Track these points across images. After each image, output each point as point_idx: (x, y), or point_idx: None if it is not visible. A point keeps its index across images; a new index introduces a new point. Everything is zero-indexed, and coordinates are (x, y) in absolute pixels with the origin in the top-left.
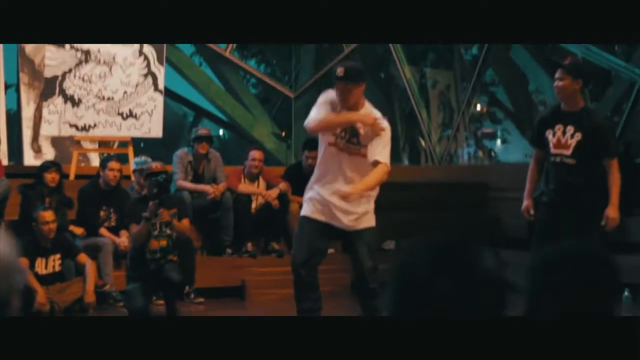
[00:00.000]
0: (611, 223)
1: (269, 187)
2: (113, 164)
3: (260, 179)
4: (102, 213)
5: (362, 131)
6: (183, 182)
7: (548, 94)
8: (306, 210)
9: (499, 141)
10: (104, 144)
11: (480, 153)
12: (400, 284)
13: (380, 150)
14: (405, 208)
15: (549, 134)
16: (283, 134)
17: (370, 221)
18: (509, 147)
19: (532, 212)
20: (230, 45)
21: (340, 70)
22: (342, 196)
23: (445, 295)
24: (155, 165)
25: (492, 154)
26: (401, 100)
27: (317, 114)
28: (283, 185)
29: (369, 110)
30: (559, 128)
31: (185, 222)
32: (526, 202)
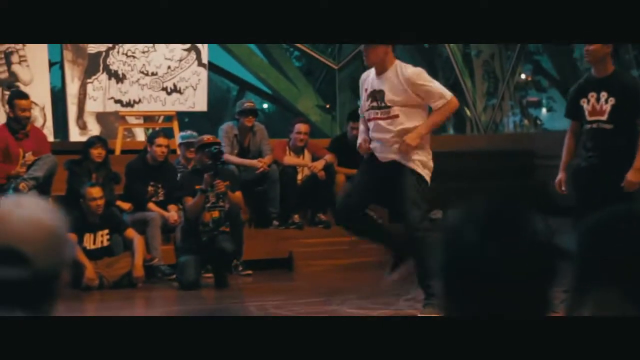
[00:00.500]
0: (628, 186)
1: (315, 159)
2: (160, 140)
3: (306, 151)
4: (150, 188)
5: (387, 89)
6: (229, 156)
7: None
8: None
9: (544, 109)
10: (148, 118)
11: (525, 121)
12: (450, 247)
13: (427, 91)
14: (452, 177)
15: (583, 103)
16: (327, 106)
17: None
18: (554, 115)
19: (564, 187)
20: None
21: None
22: (405, 149)
23: (494, 259)
24: (207, 137)
25: (538, 122)
26: (445, 70)
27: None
28: (329, 157)
29: (399, 68)
30: (592, 95)
31: (238, 194)
32: (560, 175)
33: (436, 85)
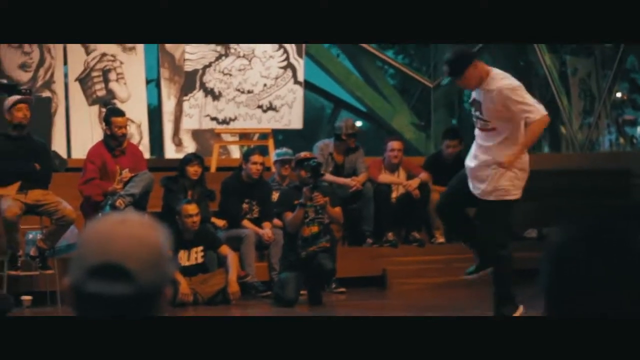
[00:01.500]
0: (503, 165)
1: (409, 177)
2: (256, 158)
3: (401, 169)
4: (244, 205)
5: (484, 102)
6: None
7: None
8: None
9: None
10: (244, 136)
11: (621, 140)
12: (556, 263)
13: (520, 109)
14: (547, 196)
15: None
16: (422, 123)
17: (499, 195)
18: None
19: None
20: None
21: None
22: (502, 165)
23: (601, 276)
24: (304, 153)
25: (634, 140)
26: (541, 88)
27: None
28: (424, 175)
29: (498, 79)
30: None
31: (338, 209)
32: None
33: (530, 101)
